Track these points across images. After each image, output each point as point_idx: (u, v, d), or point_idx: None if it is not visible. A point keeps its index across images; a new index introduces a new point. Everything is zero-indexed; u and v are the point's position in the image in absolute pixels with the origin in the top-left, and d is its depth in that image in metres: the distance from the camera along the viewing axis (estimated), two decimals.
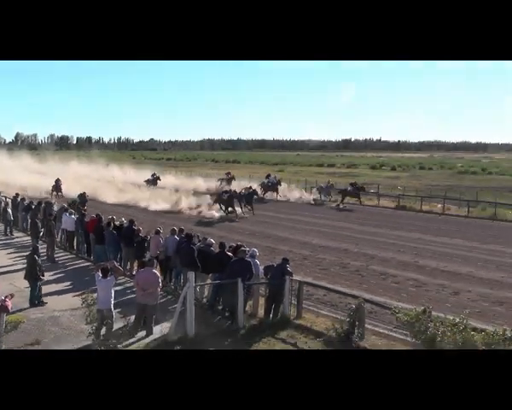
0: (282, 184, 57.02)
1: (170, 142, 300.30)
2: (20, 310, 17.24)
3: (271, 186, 55.77)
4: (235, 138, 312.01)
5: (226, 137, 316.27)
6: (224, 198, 42.74)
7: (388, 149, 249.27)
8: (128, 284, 19.96)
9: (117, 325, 14.89)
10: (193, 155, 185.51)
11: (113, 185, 53.51)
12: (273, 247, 28.59)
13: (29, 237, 28.06)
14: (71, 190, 47.18)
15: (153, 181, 61.82)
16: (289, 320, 16.89)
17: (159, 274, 17.11)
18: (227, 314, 17.32)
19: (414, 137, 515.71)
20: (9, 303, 13.82)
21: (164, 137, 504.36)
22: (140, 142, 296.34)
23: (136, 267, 20.69)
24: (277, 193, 55.14)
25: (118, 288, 17.15)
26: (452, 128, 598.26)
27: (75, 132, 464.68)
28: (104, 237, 22.89)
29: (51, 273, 21.25)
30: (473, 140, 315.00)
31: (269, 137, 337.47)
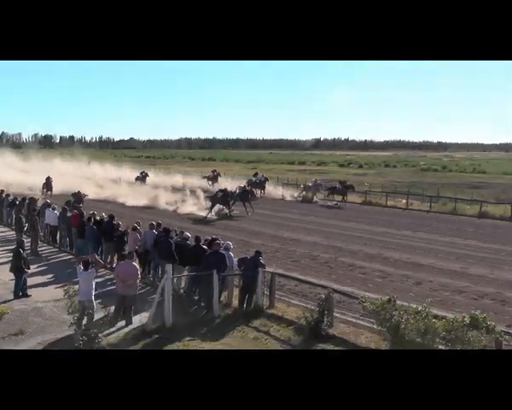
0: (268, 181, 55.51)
1: (149, 141, 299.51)
2: (5, 302, 17.15)
3: (259, 184, 53.96)
4: (211, 137, 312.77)
5: (202, 137, 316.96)
6: (219, 197, 40.61)
7: (356, 148, 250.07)
8: (108, 276, 19.84)
9: (98, 316, 14.73)
10: (171, 153, 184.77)
11: (93, 182, 52.87)
12: (246, 240, 28.58)
13: (14, 232, 27.76)
14: (55, 187, 46.74)
15: (142, 178, 59.97)
16: (262, 310, 16.92)
17: (138, 266, 17.06)
18: (203, 304, 17.33)
19: (380, 137, 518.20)
20: None
21: (143, 136, 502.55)
22: (120, 140, 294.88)
23: (116, 260, 20.58)
24: (264, 191, 53.73)
25: (98, 280, 17.03)
26: (415, 128, 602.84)
27: (58, 131, 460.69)
28: (85, 232, 22.74)
29: (35, 266, 21.02)
30: (434, 140, 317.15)
31: (242, 136, 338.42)
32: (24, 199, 29.58)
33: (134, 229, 21.12)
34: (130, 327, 15.53)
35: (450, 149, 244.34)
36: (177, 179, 61.42)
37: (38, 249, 24.90)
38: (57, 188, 46.03)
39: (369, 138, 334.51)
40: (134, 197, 44.30)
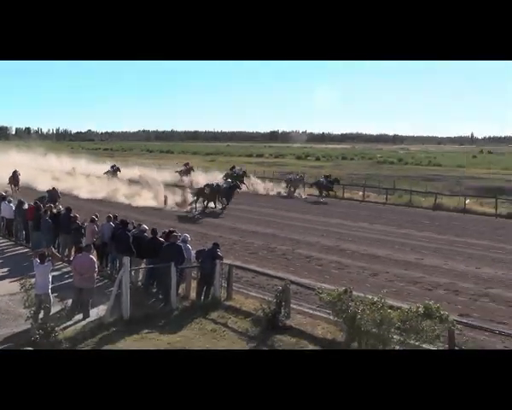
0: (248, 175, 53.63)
1: (107, 133, 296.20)
2: None
3: (237, 178, 50.49)
4: (170, 130, 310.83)
5: (161, 129, 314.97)
6: (207, 192, 39.02)
7: (313, 141, 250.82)
8: (66, 269, 19.59)
9: (55, 309, 14.62)
10: (129, 145, 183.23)
11: (49, 174, 51.88)
12: (204, 232, 28.54)
13: None
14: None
15: (113, 172, 57.41)
16: (220, 302, 16.93)
17: (95, 259, 16.92)
18: (161, 297, 17.29)
19: (337, 130, 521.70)
20: None
21: (101, 128, 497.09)
22: (78, 133, 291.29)
23: (73, 253, 20.40)
24: (243, 184, 50.09)
25: (56, 273, 16.93)
26: (372, 121, 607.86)
27: (14, 123, 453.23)
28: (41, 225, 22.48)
29: None
30: (391, 133, 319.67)
31: (201, 128, 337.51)
32: None
33: (92, 221, 20.96)
34: (88, 320, 15.37)
35: (406, 142, 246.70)
36: (135, 172, 60.40)
37: None
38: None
39: (326, 131, 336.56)
40: (91, 190, 43.75)
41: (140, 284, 18.16)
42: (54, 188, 33.49)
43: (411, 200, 44.84)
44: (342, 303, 13.67)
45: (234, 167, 55.83)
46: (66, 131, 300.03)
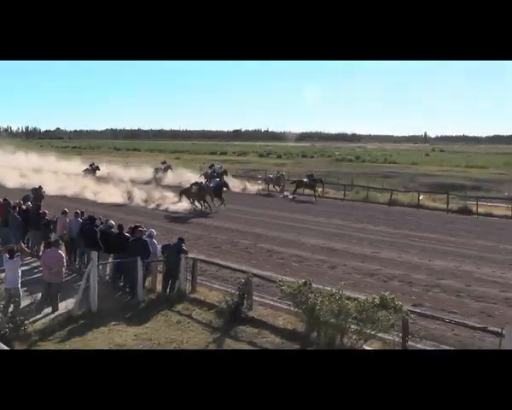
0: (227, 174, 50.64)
1: (75, 131, 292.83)
2: None
3: (217, 176, 47.37)
4: (136, 128, 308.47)
5: (128, 127, 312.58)
6: (194, 191, 36.89)
7: (275, 139, 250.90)
8: (35, 264, 19.38)
9: (24, 303, 14.53)
10: (96, 143, 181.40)
11: (16, 171, 51.03)
12: (170, 228, 28.43)
13: None
14: None
15: (91, 171, 55.98)
16: (185, 294, 16.91)
17: (64, 254, 16.76)
18: (127, 290, 17.23)
19: (297, 128, 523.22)
20: None
21: (70, 126, 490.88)
22: (47, 131, 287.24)
23: (42, 248, 20.20)
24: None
25: (25, 268, 16.78)
26: (331, 120, 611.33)
27: None
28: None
29: None
30: (349, 132, 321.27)
31: (166, 127, 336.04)
32: None
33: (63, 213, 20.91)
34: (57, 313, 15.23)
35: (364, 141, 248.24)
36: (103, 169, 59.59)
37: None
38: None
39: (287, 130, 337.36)
40: (59, 187, 43.18)
41: (107, 277, 18.13)
42: (40, 187, 31.73)
43: (368, 196, 45.23)
44: (302, 295, 13.75)
45: (213, 166, 53.75)
46: (35, 129, 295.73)
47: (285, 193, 48.28)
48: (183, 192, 37.94)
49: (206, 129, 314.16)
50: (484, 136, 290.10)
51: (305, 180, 46.80)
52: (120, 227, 18.33)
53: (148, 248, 17.08)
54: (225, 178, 46.82)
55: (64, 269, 16.17)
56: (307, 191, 47.01)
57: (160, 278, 17.62)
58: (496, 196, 46.82)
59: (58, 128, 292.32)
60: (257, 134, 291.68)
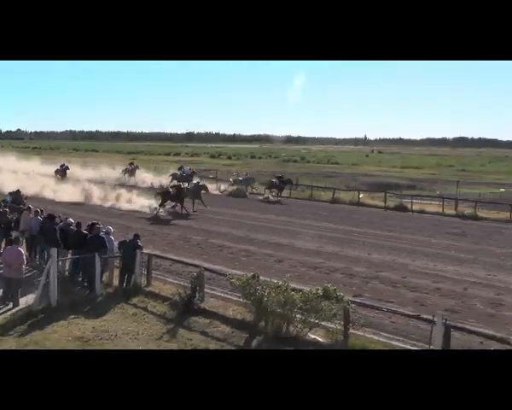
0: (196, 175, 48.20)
1: (36, 132, 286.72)
2: None
3: (185, 177, 46.31)
4: (94, 130, 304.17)
5: (86, 129, 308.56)
6: (173, 194, 34.48)
7: (225, 141, 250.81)
8: None
9: None
10: (56, 144, 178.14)
11: None
12: (127, 225, 28.16)
13: None
14: None
15: (62, 171, 52.63)
16: (140, 288, 16.79)
17: (23, 251, 16.49)
18: (86, 285, 17.01)
19: (247, 131, 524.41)
20: None
21: (30, 127, 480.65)
22: (8, 132, 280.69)
23: (3, 245, 19.82)
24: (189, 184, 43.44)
25: None
26: (278, 123, 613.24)
27: None
28: None
29: None
30: (295, 134, 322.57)
31: (123, 129, 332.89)
32: None
33: (28, 209, 20.65)
34: (17, 308, 14.94)
35: (308, 143, 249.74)
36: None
37: None
38: None
39: (237, 132, 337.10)
40: (19, 186, 42.14)
41: (67, 273, 17.87)
42: (18, 190, 28.99)
43: (312, 194, 45.50)
44: (250, 287, 13.83)
45: (182, 167, 51.51)
46: None
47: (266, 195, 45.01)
48: (162, 194, 34.92)
49: (160, 131, 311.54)
50: (418, 139, 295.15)
51: (275, 181, 45.17)
52: (79, 225, 18.08)
53: (105, 245, 16.94)
54: (194, 179, 45.14)
55: (24, 266, 15.92)
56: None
57: (116, 272, 17.45)
58: (429, 194, 47.58)
59: (19, 129, 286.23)
60: (208, 136, 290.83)
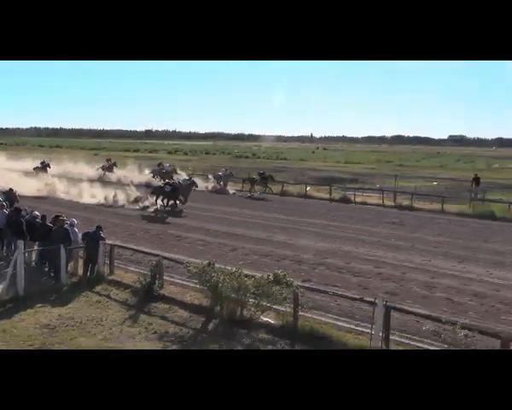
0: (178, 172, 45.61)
1: (1, 129, 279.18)
2: None
3: (166, 174, 43.87)
4: (58, 127, 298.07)
5: (50, 126, 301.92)
6: (168, 191, 32.56)
7: (182, 138, 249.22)
8: None
9: None
10: (22, 140, 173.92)
11: None
12: (90, 217, 27.73)
13: None
14: None
15: (42, 168, 48.50)
16: (103, 277, 16.62)
17: None
18: (52, 275, 16.71)
19: (202, 128, 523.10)
20: None
21: None
22: None
23: None
24: (170, 180, 41.22)
25: None
26: (231, 121, 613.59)
27: None
28: None
29: None
30: (246, 132, 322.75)
31: (85, 126, 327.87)
32: None
33: (1, 207, 20.11)
34: None
35: (260, 140, 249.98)
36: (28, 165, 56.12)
37: None
38: None
39: (192, 130, 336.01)
40: None
41: (33, 264, 17.55)
42: (11, 189, 26.24)
43: (243, 186, 45.11)
44: (206, 274, 13.85)
45: (161, 164, 48.73)
46: None
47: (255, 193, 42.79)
48: (156, 191, 33.51)
49: (121, 129, 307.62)
50: (360, 136, 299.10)
51: (257, 178, 43.93)
52: (44, 217, 17.77)
53: (69, 236, 16.69)
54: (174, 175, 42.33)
55: None
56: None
57: (81, 262, 17.20)
58: (370, 187, 48.11)
59: None
60: (166, 134, 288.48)
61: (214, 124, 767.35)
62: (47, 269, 17.34)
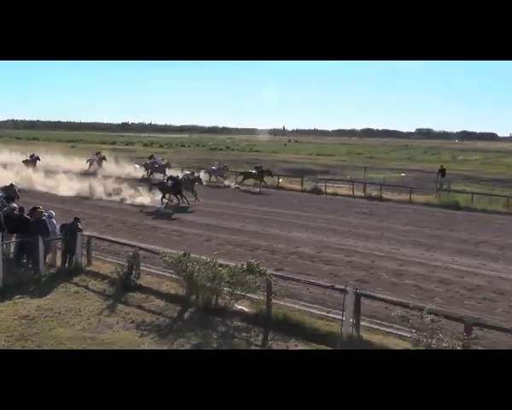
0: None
1: None
2: None
3: (159, 168, 43.02)
4: (35, 120, 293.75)
5: (28, 118, 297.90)
6: (170, 186, 30.90)
7: (157, 131, 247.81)
8: None
9: None
10: None
11: None
12: (67, 209, 27.39)
13: None
14: None
15: (32, 161, 46.19)
16: (81, 268, 16.48)
17: None
18: (30, 266, 16.53)
19: (177, 122, 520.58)
20: None
21: None
22: None
23: None
24: (165, 175, 39.66)
25: None
26: (206, 114, 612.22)
27: None
28: None
29: None
30: (220, 125, 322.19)
31: (63, 119, 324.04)
32: None
33: None
34: None
35: (233, 133, 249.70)
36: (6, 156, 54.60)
37: None
38: None
39: (168, 123, 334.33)
40: None
41: (12, 255, 17.33)
42: (12, 184, 25.40)
43: (236, 179, 45.27)
44: (182, 264, 13.84)
45: (152, 157, 46.88)
46: None
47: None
48: (157, 186, 31.99)
49: (97, 121, 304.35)
50: (331, 130, 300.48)
51: (253, 171, 42.03)
52: (21, 210, 17.51)
53: (47, 228, 16.52)
54: (167, 170, 41.74)
55: None
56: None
57: (59, 254, 17.04)
58: (340, 178, 48.36)
59: None
60: (142, 127, 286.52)
61: (188, 117, 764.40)
62: (25, 261, 17.12)
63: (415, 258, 19.54)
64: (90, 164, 48.60)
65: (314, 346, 11.42)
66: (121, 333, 12.08)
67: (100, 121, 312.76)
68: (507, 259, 19.96)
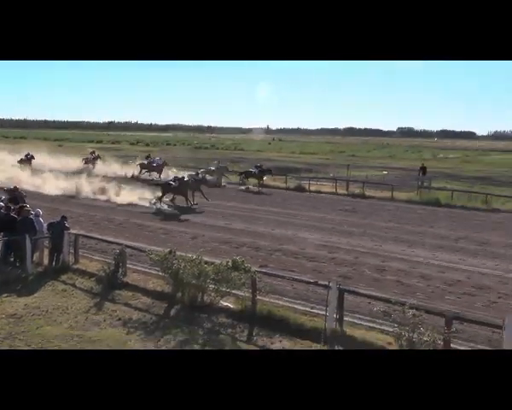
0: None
1: None
2: None
3: (156, 167, 42.26)
4: (23, 119, 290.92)
5: (15, 117, 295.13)
6: (175, 186, 29.80)
7: (143, 130, 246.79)
8: None
9: None
10: None
11: None
12: (55, 207, 27.19)
13: None
14: None
15: (27, 160, 45.55)
16: (69, 266, 16.39)
17: None
18: (17, 265, 16.42)
19: (163, 120, 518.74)
20: None
21: None
22: None
23: None
24: (161, 175, 41.31)
25: None
26: (190, 113, 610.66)
27: None
28: None
29: None
30: (205, 124, 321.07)
31: (50, 118, 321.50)
32: None
33: None
34: None
35: (217, 132, 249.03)
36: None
37: None
38: None
39: (153, 122, 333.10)
40: None
41: None
42: (16, 187, 23.91)
43: (239, 180, 44.92)
44: (168, 262, 13.83)
45: (149, 156, 45.84)
46: None
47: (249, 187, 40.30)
48: (162, 186, 30.69)
49: (84, 120, 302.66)
50: (314, 128, 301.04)
51: (254, 170, 41.02)
52: (8, 208, 17.40)
53: (34, 227, 16.42)
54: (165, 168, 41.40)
55: None
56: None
57: (46, 252, 16.94)
58: (324, 176, 48.41)
59: None
60: (127, 125, 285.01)
61: (174, 116, 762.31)
62: (12, 259, 16.99)
63: (397, 254, 19.68)
64: (86, 163, 48.38)
65: (299, 341, 11.49)
66: (108, 330, 12.06)
67: (86, 120, 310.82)
68: (486, 254, 20.18)
